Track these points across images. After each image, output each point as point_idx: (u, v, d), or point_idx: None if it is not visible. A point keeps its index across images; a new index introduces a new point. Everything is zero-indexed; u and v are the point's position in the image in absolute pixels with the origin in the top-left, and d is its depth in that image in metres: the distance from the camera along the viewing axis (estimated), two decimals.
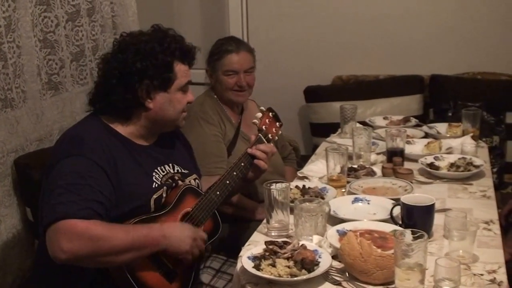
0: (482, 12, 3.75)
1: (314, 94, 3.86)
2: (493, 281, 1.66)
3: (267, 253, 1.75)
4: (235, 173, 2.16)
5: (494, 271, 1.72)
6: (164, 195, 2.02)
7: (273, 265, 1.70)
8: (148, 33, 2.06)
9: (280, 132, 2.41)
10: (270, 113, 2.37)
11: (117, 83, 1.96)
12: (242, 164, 2.19)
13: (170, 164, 2.12)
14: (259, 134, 2.28)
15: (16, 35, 2.39)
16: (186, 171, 2.16)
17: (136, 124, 2.04)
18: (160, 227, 1.90)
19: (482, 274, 1.70)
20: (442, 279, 1.61)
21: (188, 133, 2.71)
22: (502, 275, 1.69)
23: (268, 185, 2.00)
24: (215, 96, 2.88)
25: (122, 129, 2.03)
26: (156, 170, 2.05)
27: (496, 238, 1.94)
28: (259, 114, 2.31)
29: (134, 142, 2.04)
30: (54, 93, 2.64)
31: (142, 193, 1.97)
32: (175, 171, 2.12)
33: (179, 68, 2.03)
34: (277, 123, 2.39)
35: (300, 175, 2.54)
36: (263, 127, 2.30)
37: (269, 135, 2.31)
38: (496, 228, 2.01)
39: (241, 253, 1.84)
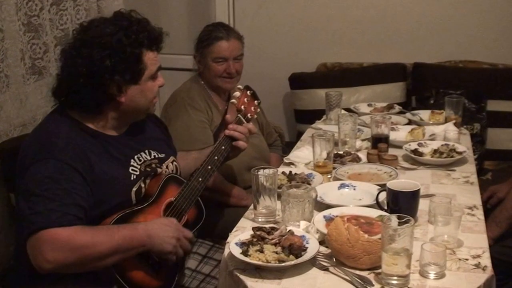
0: (464, 1, 3.77)
1: (299, 81, 3.86)
2: (477, 265, 1.69)
3: (254, 239, 1.76)
4: (216, 157, 2.14)
5: (478, 256, 1.74)
6: (142, 185, 2.00)
7: (261, 251, 1.70)
8: (110, 21, 1.94)
9: (258, 110, 2.38)
10: (248, 92, 2.33)
11: (85, 81, 1.87)
12: (223, 147, 2.17)
13: (146, 151, 2.09)
14: (238, 115, 2.26)
15: (0, 19, 2.36)
16: (162, 155, 2.14)
17: (107, 118, 1.98)
18: (145, 227, 1.87)
19: (467, 259, 1.73)
20: (428, 264, 1.64)
21: (175, 119, 2.72)
22: (486, 260, 1.72)
23: (256, 171, 2.01)
24: (202, 82, 2.87)
25: (92, 124, 1.96)
26: (133, 160, 2.02)
27: (479, 223, 1.97)
28: (237, 93, 2.28)
29: (106, 134, 1.99)
30: (37, 78, 2.61)
31: (121, 187, 1.94)
32: (152, 157, 2.09)
33: (148, 57, 1.95)
34: (255, 101, 2.35)
35: (287, 161, 2.55)
36: (242, 107, 2.27)
37: (248, 115, 2.29)
38: (479, 213, 2.04)
39: (228, 239, 1.85)
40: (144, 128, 2.16)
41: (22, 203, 1.81)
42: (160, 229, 1.90)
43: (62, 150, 1.83)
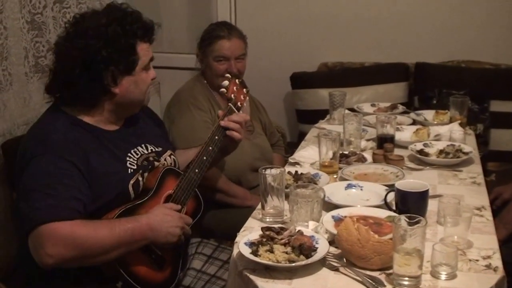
0: (466, 1, 3.77)
1: (300, 80, 3.84)
2: (488, 266, 1.68)
3: (264, 239, 1.74)
4: (210, 148, 2.13)
5: (489, 257, 1.74)
6: (140, 178, 1.99)
7: (271, 251, 1.69)
8: (104, 13, 1.97)
9: (248, 98, 2.36)
10: (237, 80, 2.32)
11: (81, 73, 1.88)
12: (216, 137, 2.16)
13: (143, 145, 2.09)
14: (230, 104, 2.24)
15: (4, 17, 2.34)
16: (159, 149, 2.14)
17: (102, 111, 1.99)
18: (147, 220, 1.87)
19: (477, 260, 1.72)
20: (440, 264, 1.63)
21: (178, 118, 2.70)
22: (497, 261, 1.71)
23: (263, 170, 1.99)
24: (205, 82, 2.85)
25: (88, 118, 1.97)
26: (129, 154, 2.02)
27: (488, 224, 1.96)
28: (226, 82, 2.26)
29: (102, 129, 1.99)
30: (41, 76, 2.59)
31: (118, 181, 1.94)
32: (149, 151, 2.09)
33: (141, 47, 1.98)
34: (244, 90, 2.34)
35: (292, 161, 2.53)
36: (232, 95, 2.26)
37: (238, 103, 2.28)
38: (488, 214, 2.03)
39: (237, 239, 1.84)
40: (140, 123, 2.17)
41: (21, 200, 1.81)
42: (162, 220, 1.89)
43: (59, 145, 1.84)
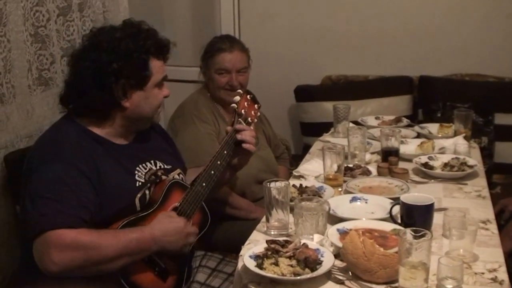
0: (470, 15, 3.77)
1: (304, 93, 3.84)
2: (494, 279, 1.67)
3: (269, 252, 1.73)
4: (218, 162, 2.12)
5: (495, 270, 1.72)
6: (147, 192, 1.99)
7: (276, 264, 1.68)
8: (120, 28, 2.01)
9: (259, 113, 2.37)
10: (248, 96, 2.33)
11: (91, 84, 1.92)
12: (225, 152, 2.15)
13: (152, 161, 2.09)
14: (239, 119, 2.24)
15: (7, 29, 2.33)
16: (169, 167, 2.14)
17: (113, 124, 2.00)
18: (151, 230, 1.87)
19: (483, 273, 1.71)
20: (445, 278, 1.61)
21: (182, 131, 2.70)
22: (503, 274, 1.70)
23: (268, 183, 1.98)
24: (209, 94, 2.85)
25: (99, 130, 1.99)
26: (138, 168, 2.02)
27: (494, 237, 1.95)
28: (237, 98, 2.27)
29: (112, 142, 2.01)
30: (44, 89, 2.58)
31: (126, 193, 1.94)
32: (158, 167, 2.09)
33: (154, 64, 1.99)
34: (256, 105, 2.35)
35: (296, 174, 2.52)
36: (242, 110, 2.26)
37: (249, 119, 2.28)
38: (493, 227, 2.02)
39: (241, 252, 1.82)
40: (150, 140, 2.17)
41: (28, 204, 1.81)
42: (166, 232, 1.89)
43: (69, 153, 1.86)
